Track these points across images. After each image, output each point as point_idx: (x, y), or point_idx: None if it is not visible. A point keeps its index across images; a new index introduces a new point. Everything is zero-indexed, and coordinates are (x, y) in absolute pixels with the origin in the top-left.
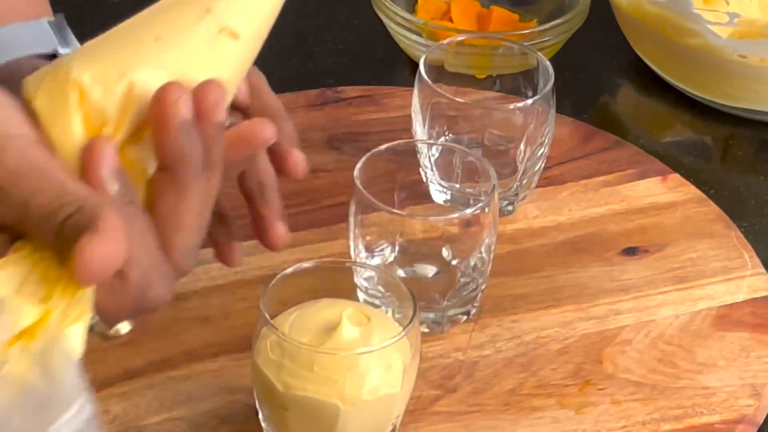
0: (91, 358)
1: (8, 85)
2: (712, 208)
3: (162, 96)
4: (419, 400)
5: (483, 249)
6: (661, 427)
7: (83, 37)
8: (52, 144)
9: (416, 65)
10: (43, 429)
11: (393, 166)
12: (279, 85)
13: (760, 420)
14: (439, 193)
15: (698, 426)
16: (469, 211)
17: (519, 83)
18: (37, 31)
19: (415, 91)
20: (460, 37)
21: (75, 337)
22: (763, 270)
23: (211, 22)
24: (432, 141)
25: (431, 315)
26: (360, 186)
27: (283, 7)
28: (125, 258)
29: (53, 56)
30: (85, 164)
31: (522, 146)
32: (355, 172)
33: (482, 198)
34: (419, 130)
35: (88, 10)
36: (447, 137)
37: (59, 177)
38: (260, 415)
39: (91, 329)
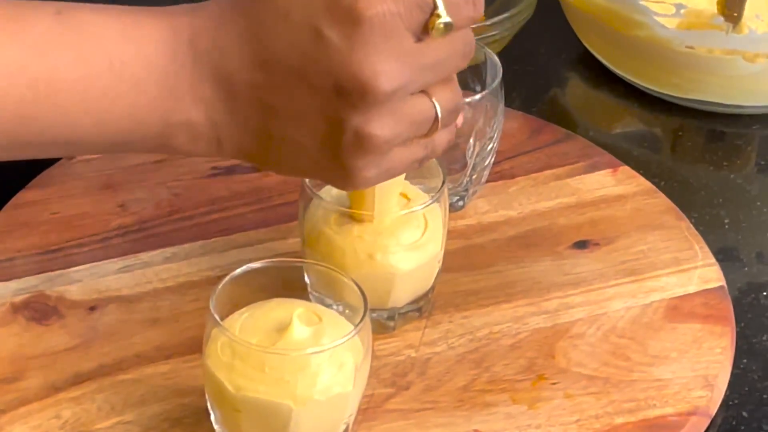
0: (40, 363)
1: None
2: (662, 200)
3: None
4: (372, 399)
5: None
6: (614, 420)
7: None
8: None
9: None
10: None
11: None
12: None
13: (713, 411)
14: None
15: (652, 419)
16: (418, 207)
17: (467, 78)
18: None
19: None
20: None
21: None
22: (713, 261)
23: None
24: None
25: (383, 313)
26: (308, 183)
27: None
28: None
29: None
30: None
31: (471, 141)
32: None
33: (432, 194)
34: None
35: None
36: None
37: None
38: (212, 417)
39: None
